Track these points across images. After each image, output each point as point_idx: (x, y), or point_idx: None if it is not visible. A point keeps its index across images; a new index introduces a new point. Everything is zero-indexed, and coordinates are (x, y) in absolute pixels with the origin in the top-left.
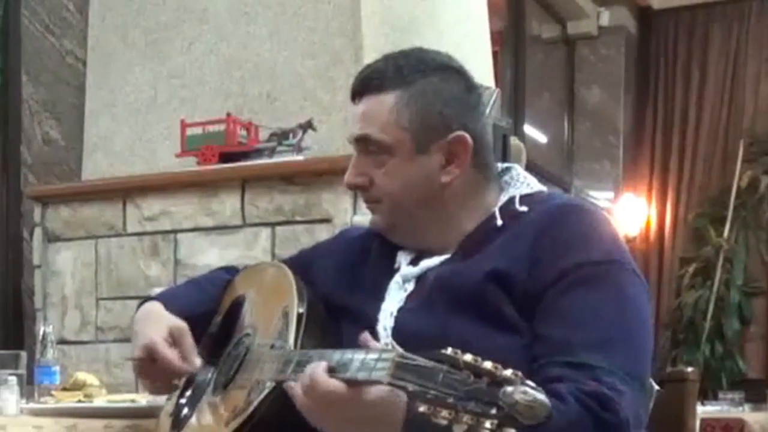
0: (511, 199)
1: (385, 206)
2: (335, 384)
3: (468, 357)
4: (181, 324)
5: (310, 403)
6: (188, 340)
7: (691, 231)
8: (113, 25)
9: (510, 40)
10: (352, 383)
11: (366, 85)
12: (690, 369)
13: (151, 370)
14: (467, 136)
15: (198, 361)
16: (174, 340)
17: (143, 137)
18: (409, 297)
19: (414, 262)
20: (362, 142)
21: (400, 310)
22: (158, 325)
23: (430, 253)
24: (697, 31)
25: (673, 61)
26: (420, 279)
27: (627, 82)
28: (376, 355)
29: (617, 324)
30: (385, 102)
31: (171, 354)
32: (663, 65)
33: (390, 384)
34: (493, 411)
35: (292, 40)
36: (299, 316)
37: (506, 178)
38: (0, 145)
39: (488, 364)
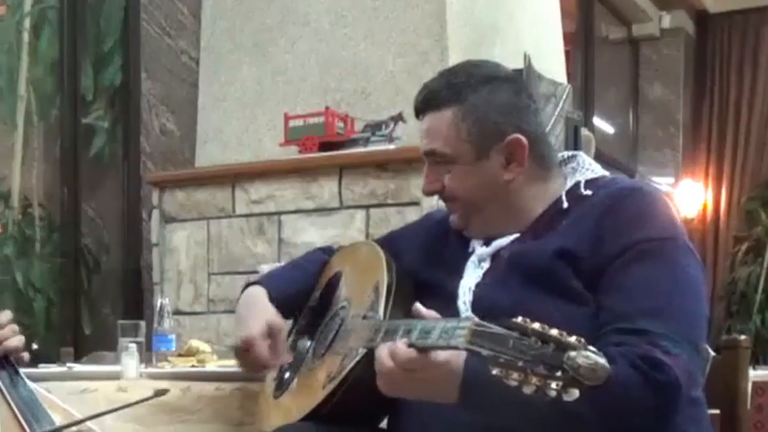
0: (577, 184)
1: (459, 204)
2: (411, 351)
3: (536, 325)
4: (279, 321)
5: (391, 372)
6: (282, 337)
7: (743, 213)
8: (223, 28)
9: (580, 41)
10: (422, 350)
11: (425, 103)
12: (742, 337)
13: (246, 358)
14: (522, 137)
15: (286, 358)
16: (270, 334)
17: (250, 128)
18: (485, 274)
19: (487, 243)
20: (430, 155)
21: (477, 285)
22: (259, 318)
23: (501, 235)
24: (749, 33)
25: (728, 59)
26: (494, 257)
27: (686, 78)
28: (455, 323)
29: (672, 293)
30: (444, 118)
31: (264, 350)
32: (718, 63)
33: (466, 349)
34: (559, 374)
35: (385, 41)
36: (388, 290)
37: (573, 165)
38: (122, 136)
39: (554, 331)
